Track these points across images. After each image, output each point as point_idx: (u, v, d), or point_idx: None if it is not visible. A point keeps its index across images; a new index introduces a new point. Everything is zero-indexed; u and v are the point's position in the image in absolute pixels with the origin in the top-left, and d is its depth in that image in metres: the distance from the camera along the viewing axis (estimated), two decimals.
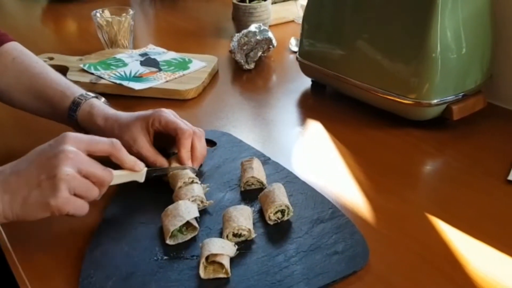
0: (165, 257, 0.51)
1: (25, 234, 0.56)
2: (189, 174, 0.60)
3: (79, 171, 0.50)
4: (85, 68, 0.93)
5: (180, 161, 0.62)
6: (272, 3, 1.19)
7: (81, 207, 0.51)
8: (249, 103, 0.88)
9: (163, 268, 0.50)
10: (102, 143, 0.54)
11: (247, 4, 1.12)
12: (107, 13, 1.06)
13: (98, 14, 1.05)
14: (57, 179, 0.48)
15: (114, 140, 0.55)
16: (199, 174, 0.64)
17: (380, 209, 0.59)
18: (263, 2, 1.13)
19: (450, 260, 0.51)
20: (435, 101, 0.72)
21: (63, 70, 0.92)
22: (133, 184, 0.58)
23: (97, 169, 0.52)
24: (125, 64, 0.95)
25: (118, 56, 0.98)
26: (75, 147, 0.50)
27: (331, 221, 0.56)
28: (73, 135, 0.52)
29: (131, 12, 1.06)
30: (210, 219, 0.57)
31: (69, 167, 0.49)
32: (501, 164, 0.66)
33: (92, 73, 0.91)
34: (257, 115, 0.83)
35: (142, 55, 0.99)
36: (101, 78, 0.90)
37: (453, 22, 0.69)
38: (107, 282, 0.48)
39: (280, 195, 0.56)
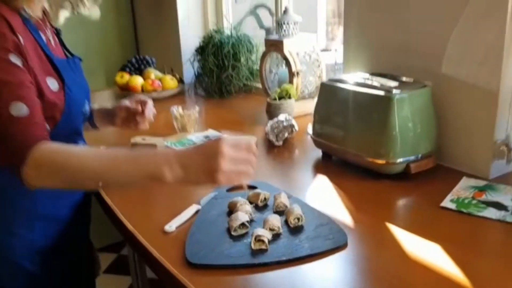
0: (231, 240, 0.90)
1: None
2: (244, 199, 1.01)
3: (232, 158, 0.80)
4: (168, 145, 1.38)
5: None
6: (296, 101, 1.65)
7: (239, 178, 0.81)
8: (279, 166, 1.30)
9: (231, 243, 0.89)
10: (241, 142, 0.83)
11: (278, 101, 1.58)
12: (180, 109, 1.54)
13: (174, 110, 1.53)
14: (219, 169, 0.78)
15: (251, 141, 0.85)
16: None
17: (360, 222, 0.97)
18: (289, 100, 1.59)
19: (399, 253, 0.88)
20: (398, 161, 1.12)
21: (152, 147, 1.37)
22: (212, 205, 0.99)
23: (241, 154, 0.81)
24: (194, 143, 1.40)
25: (189, 137, 1.43)
26: (226, 145, 0.79)
27: (327, 225, 0.94)
28: (225, 137, 0.81)
29: (196, 108, 1.53)
30: (254, 224, 0.96)
31: (225, 160, 0.79)
32: (438, 198, 1.04)
33: (173, 147, 1.36)
34: (285, 174, 1.24)
35: (205, 136, 1.44)
36: None
37: (405, 113, 1.11)
38: (200, 251, 0.87)
39: (297, 210, 0.95)
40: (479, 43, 1.09)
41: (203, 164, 0.79)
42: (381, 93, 1.12)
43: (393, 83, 1.16)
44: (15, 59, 0.86)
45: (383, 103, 1.11)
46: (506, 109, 1.09)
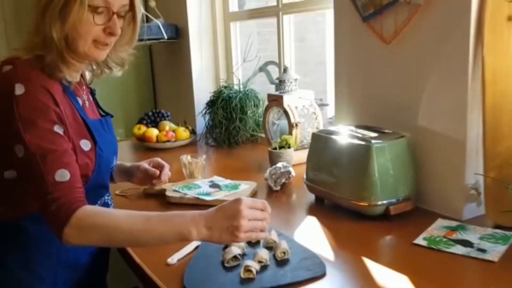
0: (224, 270, 1.03)
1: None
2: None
3: (250, 219, 0.93)
4: (177, 189, 1.54)
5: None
6: (295, 150, 1.80)
7: (257, 234, 0.95)
8: (275, 209, 1.43)
9: (224, 273, 1.02)
10: (257, 203, 0.96)
11: (278, 151, 1.74)
12: (189, 157, 1.70)
13: (183, 158, 1.69)
14: (240, 227, 0.92)
15: (265, 202, 0.97)
16: None
17: (340, 256, 1.09)
18: (288, 150, 1.75)
19: (371, 282, 1.00)
20: (378, 203, 1.25)
21: (162, 191, 1.53)
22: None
23: (258, 214, 0.94)
24: (199, 187, 1.55)
25: (196, 182, 1.59)
26: (245, 206, 0.93)
27: (310, 259, 1.06)
28: (243, 199, 0.94)
29: (204, 156, 1.70)
30: (246, 257, 1.09)
31: (245, 220, 0.92)
32: (413, 237, 1.15)
33: (180, 192, 1.52)
34: (280, 216, 1.38)
35: (210, 181, 1.60)
36: (186, 194, 1.50)
37: (383, 160, 1.25)
38: (197, 280, 1.00)
39: (284, 245, 1.08)
40: (447, 100, 1.24)
41: (226, 224, 0.92)
42: (362, 142, 1.27)
43: (373, 134, 1.31)
44: (58, 129, 0.98)
45: (364, 152, 1.26)
46: (474, 156, 1.22)
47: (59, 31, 1.00)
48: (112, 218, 0.95)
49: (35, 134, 0.95)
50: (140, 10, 1.11)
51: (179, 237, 0.93)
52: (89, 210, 0.94)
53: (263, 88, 2.37)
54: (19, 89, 0.96)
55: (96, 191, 1.13)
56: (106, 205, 1.20)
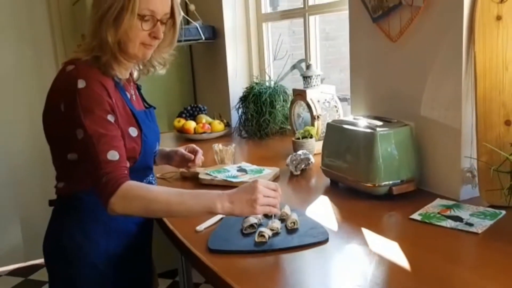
0: (242, 236, 1.23)
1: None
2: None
3: (265, 195, 1.12)
4: (208, 172, 1.75)
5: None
6: (317, 140, 1.97)
7: (271, 209, 1.13)
8: (294, 190, 1.61)
9: (242, 238, 1.21)
10: (271, 184, 1.15)
11: (300, 140, 1.91)
12: (220, 145, 1.91)
13: (215, 146, 1.90)
14: (257, 200, 1.11)
15: (277, 184, 1.16)
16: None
17: (343, 227, 1.26)
18: (310, 139, 1.92)
19: (365, 248, 1.17)
20: (382, 184, 1.40)
21: (195, 175, 1.74)
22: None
23: (271, 192, 1.13)
24: (228, 171, 1.75)
25: (225, 167, 1.79)
26: (260, 184, 1.12)
27: (316, 228, 1.24)
28: (260, 180, 1.13)
29: (233, 145, 1.90)
30: (261, 227, 1.28)
31: (260, 194, 1.11)
32: (411, 213, 1.31)
33: (211, 175, 1.72)
34: (297, 196, 1.56)
35: (238, 167, 1.80)
36: (216, 177, 1.70)
37: (387, 146, 1.40)
38: (219, 242, 1.20)
39: (294, 216, 1.26)
40: (444, 93, 1.38)
41: (245, 198, 1.11)
42: (369, 130, 1.43)
43: (379, 123, 1.46)
44: (110, 118, 1.18)
45: (370, 139, 1.42)
46: (469, 142, 1.35)
47: (113, 36, 1.22)
48: (151, 191, 1.16)
49: (92, 120, 1.16)
50: (180, 16, 1.32)
51: (206, 210, 1.13)
52: (132, 184, 1.15)
53: (297, 84, 2.54)
54: (81, 84, 1.18)
55: (142, 171, 1.35)
56: (150, 183, 1.42)
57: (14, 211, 3.25)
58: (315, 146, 1.92)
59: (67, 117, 1.20)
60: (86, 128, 1.16)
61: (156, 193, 1.15)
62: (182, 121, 2.50)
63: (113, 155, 1.15)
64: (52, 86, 1.27)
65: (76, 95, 1.17)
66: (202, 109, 2.60)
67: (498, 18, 1.25)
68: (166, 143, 2.33)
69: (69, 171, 1.29)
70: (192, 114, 2.57)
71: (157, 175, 1.83)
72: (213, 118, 2.53)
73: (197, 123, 2.46)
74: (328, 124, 1.61)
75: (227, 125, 2.53)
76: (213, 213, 1.18)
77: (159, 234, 1.47)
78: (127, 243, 1.37)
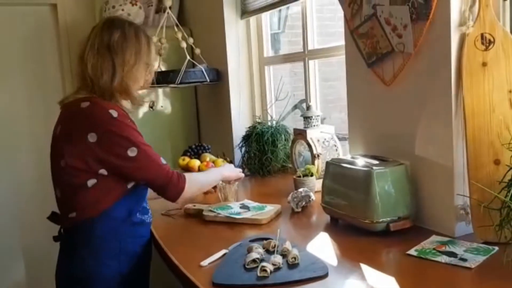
0: (245, 271, 1.28)
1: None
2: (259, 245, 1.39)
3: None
4: (212, 209, 1.81)
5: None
6: (317, 179, 2.03)
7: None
8: (295, 227, 1.67)
9: (244, 273, 1.26)
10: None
11: (302, 178, 1.98)
12: (223, 183, 1.97)
13: (219, 183, 1.97)
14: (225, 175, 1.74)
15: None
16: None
17: (342, 262, 1.31)
18: (311, 177, 1.99)
19: (364, 282, 1.21)
20: (380, 221, 1.46)
21: (199, 211, 1.80)
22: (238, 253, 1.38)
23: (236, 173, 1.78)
24: (231, 208, 1.81)
25: (229, 204, 1.86)
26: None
27: (316, 264, 1.29)
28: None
29: (236, 183, 1.97)
30: (264, 262, 1.33)
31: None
32: (407, 249, 1.36)
33: (215, 212, 1.78)
34: (298, 232, 1.61)
35: (241, 204, 1.86)
36: (219, 214, 1.76)
37: (383, 183, 1.47)
38: (222, 276, 1.25)
39: (295, 252, 1.32)
40: (436, 133, 1.46)
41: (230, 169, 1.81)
42: (365, 169, 1.50)
43: (375, 162, 1.53)
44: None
45: (367, 177, 1.49)
46: (461, 180, 1.42)
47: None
48: (196, 175, 1.81)
49: (139, 138, 1.41)
50: None
51: (219, 178, 1.80)
52: (187, 175, 1.55)
53: (298, 123, 2.63)
54: (114, 113, 1.38)
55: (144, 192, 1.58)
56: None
57: (18, 248, 3.29)
58: (316, 184, 1.99)
59: (99, 145, 1.35)
60: (139, 145, 1.40)
61: (196, 175, 1.79)
62: (187, 159, 2.57)
63: (162, 159, 1.48)
64: (68, 124, 1.39)
65: (115, 122, 1.37)
66: (206, 147, 2.68)
67: (484, 64, 1.34)
68: None
69: (84, 199, 1.40)
70: (196, 152, 2.64)
71: (162, 212, 1.89)
72: (217, 157, 2.61)
73: (201, 161, 2.53)
74: (327, 163, 1.68)
75: (230, 163, 2.60)
76: (222, 178, 1.83)
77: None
78: (136, 264, 1.50)
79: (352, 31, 1.71)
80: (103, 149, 1.35)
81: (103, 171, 1.39)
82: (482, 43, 1.35)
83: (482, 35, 1.34)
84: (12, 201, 3.23)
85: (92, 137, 1.35)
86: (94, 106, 1.39)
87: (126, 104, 1.53)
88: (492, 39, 1.34)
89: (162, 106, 3.11)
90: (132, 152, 1.38)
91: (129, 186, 1.45)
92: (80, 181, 1.36)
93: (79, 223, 1.39)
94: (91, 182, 1.38)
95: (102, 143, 1.35)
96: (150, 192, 1.72)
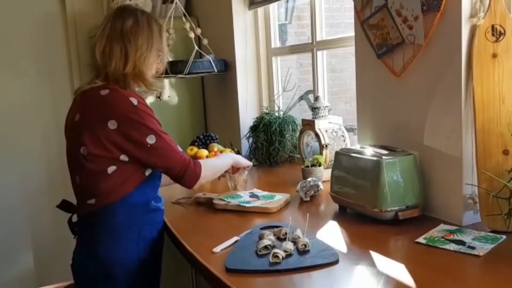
0: (257, 257, 1.30)
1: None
2: (270, 232, 1.41)
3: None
4: (222, 198, 1.83)
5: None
6: (325, 168, 2.06)
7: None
8: (304, 215, 1.69)
9: (256, 259, 1.29)
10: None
11: (309, 168, 2.00)
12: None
13: (227, 174, 1.99)
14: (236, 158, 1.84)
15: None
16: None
17: (352, 249, 1.34)
18: (319, 167, 2.01)
19: (374, 268, 1.24)
20: (388, 209, 1.48)
21: (209, 200, 1.83)
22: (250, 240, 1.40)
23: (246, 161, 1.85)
24: (241, 196, 1.84)
25: (238, 193, 1.88)
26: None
27: (326, 250, 1.32)
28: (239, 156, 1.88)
29: (245, 172, 1.99)
30: (275, 249, 1.35)
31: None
32: (416, 237, 1.38)
33: (225, 200, 1.81)
34: (309, 221, 1.63)
35: (250, 193, 1.88)
36: (230, 202, 1.79)
37: (392, 173, 1.49)
38: (235, 262, 1.28)
39: (305, 239, 1.34)
40: (446, 124, 1.48)
41: (240, 158, 1.86)
42: (375, 159, 1.52)
43: (385, 152, 1.56)
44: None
45: (376, 166, 1.51)
46: (470, 170, 1.44)
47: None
48: (211, 161, 1.84)
49: (157, 126, 1.45)
50: None
51: (231, 162, 1.84)
52: (202, 161, 1.63)
53: (304, 114, 2.65)
54: (134, 101, 1.41)
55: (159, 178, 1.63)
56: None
57: (26, 237, 3.33)
58: (324, 173, 2.01)
59: (119, 132, 1.39)
60: (158, 132, 1.44)
61: (210, 161, 1.83)
62: (195, 149, 2.59)
63: (179, 148, 1.54)
64: (88, 112, 1.41)
65: (136, 109, 1.40)
66: (214, 137, 2.70)
67: (494, 55, 1.36)
68: None
69: (104, 185, 1.43)
70: (204, 142, 2.66)
71: (172, 201, 1.92)
72: (225, 147, 2.63)
73: (209, 152, 2.55)
74: (336, 153, 1.70)
75: (238, 153, 2.62)
76: (234, 162, 1.87)
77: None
78: (153, 249, 1.54)
79: (362, 22, 1.72)
80: (123, 136, 1.38)
81: (124, 157, 1.42)
82: (493, 35, 1.36)
83: (492, 26, 1.36)
84: (20, 189, 3.26)
85: (112, 124, 1.38)
86: (114, 93, 1.41)
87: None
88: (502, 31, 1.35)
89: (169, 97, 3.13)
90: (151, 140, 1.41)
91: (147, 173, 1.48)
92: (101, 168, 1.39)
93: (98, 209, 1.42)
94: (111, 169, 1.41)
95: (122, 130, 1.38)
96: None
